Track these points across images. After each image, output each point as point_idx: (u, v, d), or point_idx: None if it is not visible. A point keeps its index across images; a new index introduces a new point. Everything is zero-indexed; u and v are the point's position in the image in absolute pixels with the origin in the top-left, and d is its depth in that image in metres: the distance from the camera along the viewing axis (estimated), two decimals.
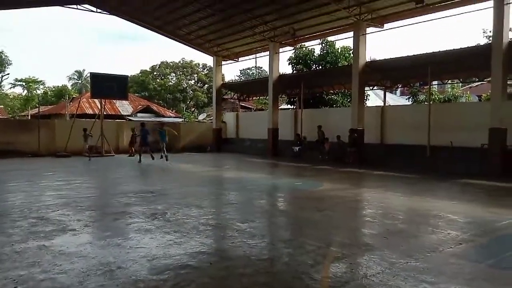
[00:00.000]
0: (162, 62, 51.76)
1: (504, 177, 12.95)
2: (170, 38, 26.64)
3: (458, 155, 15.45)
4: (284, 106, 32.16)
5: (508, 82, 16.02)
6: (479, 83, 23.46)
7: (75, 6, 22.07)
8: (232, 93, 29.75)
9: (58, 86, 54.72)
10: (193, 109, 50.71)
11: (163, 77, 50.80)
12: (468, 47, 16.03)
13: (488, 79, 16.73)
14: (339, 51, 27.11)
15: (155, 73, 51.28)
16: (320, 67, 26.59)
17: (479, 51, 15.65)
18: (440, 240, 5.66)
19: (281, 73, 24.21)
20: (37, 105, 29.43)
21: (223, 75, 30.82)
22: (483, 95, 24.42)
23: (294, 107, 27.78)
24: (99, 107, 24.31)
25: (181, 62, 51.81)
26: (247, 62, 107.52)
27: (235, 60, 28.19)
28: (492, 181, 12.31)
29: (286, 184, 12.15)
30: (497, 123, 13.97)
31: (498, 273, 4.48)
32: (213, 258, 4.88)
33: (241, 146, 26.74)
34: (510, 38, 14.20)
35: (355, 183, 12.36)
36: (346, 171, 15.40)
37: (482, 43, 19.67)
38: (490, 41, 15.08)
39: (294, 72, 27.32)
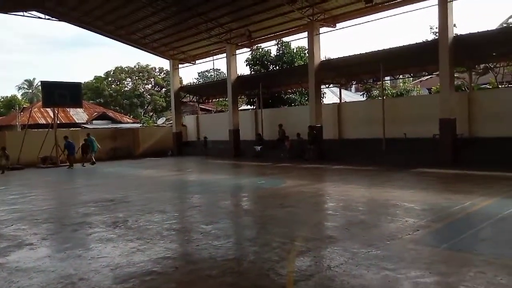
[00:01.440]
0: (117, 68, 50.42)
1: (455, 164, 13.64)
2: (124, 43, 26.04)
3: (412, 146, 16.10)
4: (244, 107, 32.23)
5: (455, 75, 16.89)
6: (429, 76, 24.51)
7: (21, 13, 21.06)
8: (191, 96, 29.47)
9: (7, 96, 52.15)
10: (151, 113, 49.72)
11: (118, 83, 49.51)
12: (416, 43, 16.74)
13: (436, 73, 17.52)
14: (295, 51, 27.56)
15: (110, 79, 49.88)
16: (277, 67, 26.91)
17: (427, 47, 16.36)
18: (399, 228, 5.89)
19: (239, 75, 24.27)
20: None
21: (180, 78, 30.51)
22: (432, 88, 25.50)
23: (254, 107, 27.91)
24: (52, 116, 23.35)
25: (137, 66, 50.72)
26: (205, 65, 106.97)
27: (192, 63, 27.95)
28: (444, 169, 12.93)
29: (250, 184, 12.21)
30: (447, 114, 14.68)
31: (453, 255, 4.72)
32: (179, 262, 4.82)
33: (203, 148, 26.58)
34: (455, 34, 14.97)
35: (316, 179, 12.61)
36: (307, 167, 15.66)
37: (429, 39, 20.54)
38: (437, 37, 15.80)
39: (252, 73, 27.47)
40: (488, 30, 14.68)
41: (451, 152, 14.44)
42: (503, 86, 21.64)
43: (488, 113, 15.28)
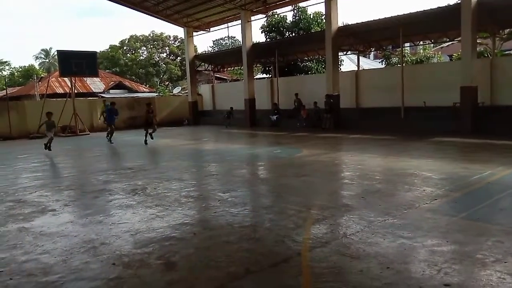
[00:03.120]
0: (131, 36, 50.13)
1: (475, 133, 13.37)
2: (137, 10, 25.72)
3: (431, 114, 15.80)
4: (259, 75, 31.92)
5: (477, 41, 16.29)
6: (450, 43, 23.74)
7: None
8: (206, 64, 29.27)
9: (25, 66, 52.64)
10: (167, 83, 49.72)
11: (133, 52, 49.35)
12: (438, 7, 16.07)
13: (458, 39, 16.94)
14: (311, 17, 26.86)
15: (125, 47, 49.70)
16: (294, 34, 26.35)
17: (448, 11, 15.73)
18: (416, 197, 5.86)
19: (254, 42, 23.88)
20: (5, 87, 28.31)
21: (195, 46, 30.19)
22: (454, 54, 24.78)
23: (270, 76, 27.64)
24: (70, 85, 23.58)
25: (151, 35, 50.33)
26: (219, 32, 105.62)
27: (206, 31, 27.57)
28: (464, 138, 12.71)
29: (265, 153, 12.23)
30: (468, 82, 14.28)
31: (470, 224, 4.69)
32: (196, 228, 4.93)
33: (219, 117, 26.59)
34: None
35: (333, 148, 12.55)
36: (324, 136, 15.57)
37: (452, 3, 19.73)
38: (459, 1, 15.15)
39: (268, 40, 27.01)
40: None
41: (471, 120, 14.14)
42: None
43: (511, 80, 14.80)
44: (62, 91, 29.94)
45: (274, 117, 21.75)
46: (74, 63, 20.85)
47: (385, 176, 7.83)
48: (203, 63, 29.10)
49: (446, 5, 16.55)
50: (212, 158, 11.81)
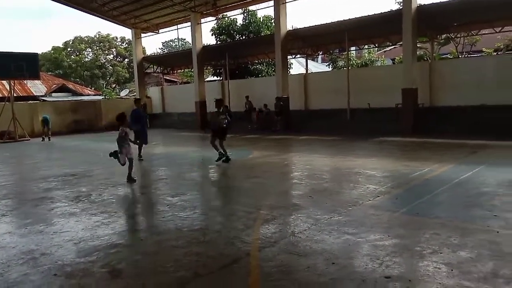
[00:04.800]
0: (76, 37, 48.09)
1: (416, 133, 14.11)
2: (82, 11, 24.79)
3: (375, 116, 16.48)
4: (210, 78, 31.78)
5: (417, 45, 17.21)
6: (392, 47, 24.86)
7: None
8: (155, 67, 28.71)
9: None
10: (114, 85, 48.14)
11: (78, 53, 47.38)
12: (381, 13, 16.83)
13: (400, 43, 17.79)
14: (261, 20, 27.15)
15: (69, 49, 47.61)
16: (244, 37, 26.50)
17: (391, 17, 16.51)
18: (360, 194, 6.09)
19: (205, 45, 23.77)
20: None
21: (144, 48, 29.56)
22: (396, 58, 25.99)
23: (221, 78, 27.60)
24: (8, 89, 22.21)
25: (97, 36, 48.56)
26: (169, 34, 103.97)
27: (155, 32, 27.08)
28: (405, 137, 13.37)
29: (217, 156, 12.17)
30: (409, 84, 15.04)
31: (410, 219, 4.94)
32: (144, 234, 4.82)
33: (169, 121, 26.16)
34: (418, 4, 15.14)
35: (283, 149, 12.74)
36: (274, 138, 15.77)
37: (394, 9, 20.72)
38: (401, 7, 15.94)
39: (218, 43, 26.96)
40: (449, 1, 14.91)
41: (412, 121, 14.89)
42: (463, 56, 22.28)
43: (448, 83, 15.77)
44: (0, 95, 28.15)
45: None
46: (14, 65, 19.66)
47: (332, 175, 8.06)
48: (152, 65, 28.52)
49: (389, 10, 17.34)
50: (161, 162, 11.60)
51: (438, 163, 8.42)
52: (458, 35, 19.56)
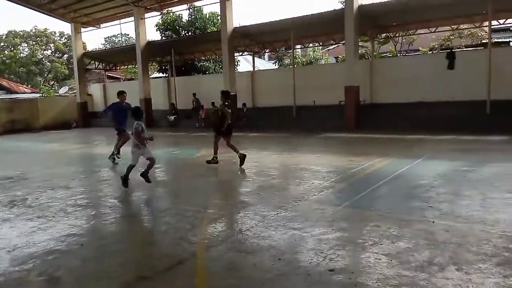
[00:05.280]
0: (9, 32, 44.99)
1: (358, 129, 14.65)
2: (17, 3, 23.23)
3: (320, 113, 16.91)
4: (156, 74, 31.03)
5: (359, 44, 17.85)
6: (336, 45, 25.63)
7: None
8: (96, 63, 27.53)
9: None
10: (52, 82, 45.63)
11: (12, 48, 44.38)
12: (324, 12, 17.25)
13: (343, 42, 18.36)
14: (207, 17, 26.92)
15: (2, 44, 44.47)
16: (190, 34, 26.13)
17: (334, 16, 16.95)
18: (306, 189, 6.21)
19: (149, 40, 23.13)
20: None
21: (84, 43, 28.27)
22: (339, 56, 26.80)
23: (167, 75, 27.04)
24: None
25: (34, 30, 45.75)
26: (112, 29, 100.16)
27: (96, 27, 25.98)
28: (349, 133, 13.84)
29: (163, 155, 11.90)
30: (351, 81, 15.57)
31: (353, 212, 5.12)
32: (84, 239, 4.60)
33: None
34: (359, 4, 15.69)
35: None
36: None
37: (337, 8, 21.33)
38: (343, 7, 16.44)
39: (163, 38, 26.39)
40: (388, 2, 15.58)
41: (355, 117, 15.45)
42: (401, 55, 23.42)
43: (387, 80, 16.52)
44: None
45: (172, 117, 21.34)
46: None
47: (279, 172, 8.17)
48: (93, 61, 27.33)
49: (332, 10, 17.82)
50: (104, 162, 11.12)
51: (379, 157, 8.79)
52: (397, 35, 20.55)
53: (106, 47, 51.79)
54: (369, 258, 3.62)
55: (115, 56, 27.59)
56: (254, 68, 23.71)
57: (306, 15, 17.21)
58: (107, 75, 30.31)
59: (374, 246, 3.87)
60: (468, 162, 7.84)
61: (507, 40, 20.71)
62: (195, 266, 3.71)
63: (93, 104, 27.05)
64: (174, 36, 26.02)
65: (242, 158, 8.38)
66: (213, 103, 19.98)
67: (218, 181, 7.61)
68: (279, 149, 11.37)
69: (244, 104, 19.48)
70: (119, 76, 34.88)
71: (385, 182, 6.57)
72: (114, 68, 29.04)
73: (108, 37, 59.10)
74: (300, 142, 12.73)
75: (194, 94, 21.42)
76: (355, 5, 15.32)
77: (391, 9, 15.94)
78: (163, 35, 26.96)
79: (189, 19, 26.93)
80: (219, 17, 23.79)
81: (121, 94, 10.32)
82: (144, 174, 6.89)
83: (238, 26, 20.18)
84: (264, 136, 14.50)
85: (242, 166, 8.33)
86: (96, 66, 27.73)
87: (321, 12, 17.06)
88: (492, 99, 13.61)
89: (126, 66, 29.16)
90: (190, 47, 23.31)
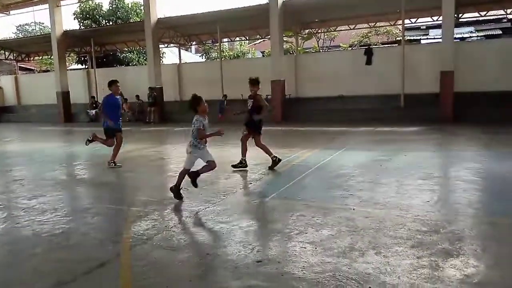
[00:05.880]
0: None
1: (284, 122, 15.02)
2: None
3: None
4: (74, 66, 29.18)
5: (284, 39, 18.25)
6: (262, 40, 25.96)
7: None
8: (7, 53, 25.20)
9: None
10: None
11: None
12: (250, 6, 17.40)
13: (268, 37, 18.64)
14: (130, 6, 25.86)
15: None
16: (111, 23, 24.91)
17: (259, 11, 17.15)
18: (234, 182, 6.23)
19: (66, 29, 21.65)
20: None
21: None
22: (265, 51, 27.19)
23: (86, 67, 25.57)
24: None
25: None
26: (24, 17, 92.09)
27: (5, 14, 23.82)
28: (276, 126, 14.11)
29: (83, 151, 11.24)
30: (277, 76, 15.89)
31: (279, 203, 5.23)
32: None
33: (25, 114, 23.35)
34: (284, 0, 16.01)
35: (158, 142, 12.39)
36: (148, 130, 15.25)
37: (262, 3, 21.59)
38: (268, 2, 16.68)
39: (82, 28, 24.87)
40: None
41: (281, 111, 15.81)
42: (323, 50, 24.37)
43: (311, 75, 17.10)
44: None
45: (92, 111, 20.24)
46: None
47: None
48: (3, 51, 24.99)
49: (258, 4, 18.00)
50: (16, 160, 10.26)
51: (304, 149, 9.08)
52: (319, 31, 21.33)
53: (18, 36, 47.57)
54: (295, 247, 3.71)
55: (28, 45, 25.45)
56: (180, 60, 23.24)
57: (233, 9, 17.23)
58: (19, 66, 27.93)
59: (300, 235, 3.98)
60: (385, 152, 8.38)
61: (419, 38, 22.39)
62: (119, 267, 3.55)
63: (3, 98, 24.79)
64: (94, 26, 24.64)
65: (276, 162, 7.16)
66: (137, 96, 19.33)
67: (145, 177, 7.35)
68: (208, 143, 11.26)
69: (225, 96, 18.58)
70: (32, 68, 32.29)
71: (309, 173, 6.80)
72: (27, 58, 26.81)
73: (21, 25, 54.23)
74: (229, 135, 12.55)
75: None
76: (280, 1, 15.62)
77: (313, 6, 16.49)
78: (81, 24, 25.41)
79: (111, 8, 25.67)
80: (142, 7, 22.96)
81: (114, 84, 8.14)
82: (194, 176, 5.54)
83: (162, 17, 19.62)
84: (188, 130, 14.26)
85: (273, 168, 7.11)
86: (7, 56, 25.42)
87: (247, 6, 17.18)
88: (406, 93, 14.70)
89: (41, 57, 27.06)
90: (112, 37, 22.22)
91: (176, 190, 5.38)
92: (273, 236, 4.00)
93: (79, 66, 27.89)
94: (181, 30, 20.35)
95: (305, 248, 3.67)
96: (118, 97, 8.26)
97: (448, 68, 13.34)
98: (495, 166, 6.74)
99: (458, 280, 2.96)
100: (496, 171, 6.36)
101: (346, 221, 4.32)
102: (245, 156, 7.35)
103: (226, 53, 28.61)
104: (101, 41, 22.23)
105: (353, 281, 3.00)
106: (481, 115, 12.80)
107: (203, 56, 30.52)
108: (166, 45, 22.71)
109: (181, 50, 24.58)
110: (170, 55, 29.19)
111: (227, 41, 27.03)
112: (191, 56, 34.46)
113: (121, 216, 4.88)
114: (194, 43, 25.13)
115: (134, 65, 25.83)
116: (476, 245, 3.60)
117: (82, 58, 26.40)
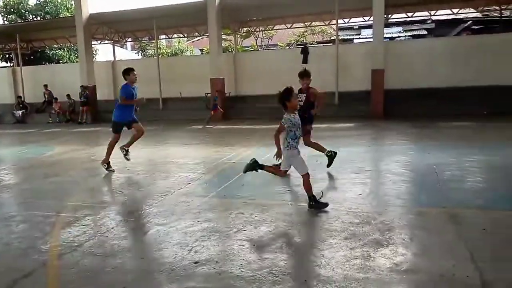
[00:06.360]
0: None
1: (224, 120, 14.97)
2: None
3: (188, 104, 16.82)
4: None
5: (222, 37, 18.18)
6: (200, 37, 25.71)
7: None
8: None
9: None
10: None
11: None
12: (187, 3, 17.08)
13: (207, 34, 18.48)
14: (60, 1, 24.45)
15: None
16: (39, 18, 23.39)
17: (196, 8, 16.90)
18: (172, 183, 6.09)
19: None
20: None
21: None
22: (204, 48, 26.95)
23: (12, 64, 23.81)
24: None
25: None
26: None
27: None
28: (216, 125, 14.04)
29: (7, 155, 10.47)
30: (216, 74, 15.80)
31: (218, 202, 5.19)
32: None
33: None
34: None
35: (90, 143, 11.81)
36: (81, 131, 14.52)
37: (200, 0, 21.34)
38: None
39: (6, 23, 23.10)
40: None
41: (221, 108, 15.72)
42: (262, 49, 24.62)
43: (250, 73, 17.21)
44: None
45: (19, 112, 18.90)
46: None
47: (145, 167, 7.84)
48: None
49: (195, 1, 17.77)
50: None
51: (244, 147, 9.10)
52: (257, 29, 21.51)
53: None
54: (233, 245, 3.70)
55: None
56: (115, 58, 22.35)
57: (169, 5, 16.89)
58: None
59: (238, 233, 3.97)
60: None
61: (352, 37, 23.33)
62: (46, 277, 3.32)
63: None
64: (20, 21, 23.00)
65: (333, 156, 6.52)
66: (68, 95, 18.34)
67: (75, 180, 6.96)
68: (145, 142, 10.85)
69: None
70: None
71: None
72: None
73: None
74: (168, 134, 12.47)
75: (45, 86, 19.30)
76: None
77: (250, 4, 16.60)
78: (5, 19, 23.62)
79: (38, 2, 24.11)
80: (73, 1, 21.78)
81: (130, 72, 7.32)
82: (316, 203, 4.58)
83: (95, 12, 18.73)
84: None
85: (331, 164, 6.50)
86: None
87: (184, 3, 16.87)
88: (340, 91, 15.25)
89: None
90: (40, 33, 20.84)
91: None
92: (211, 236, 3.95)
93: (4, 64, 25.92)
94: (115, 26, 19.57)
95: (243, 245, 3.67)
96: (135, 86, 7.50)
97: (378, 67, 14.02)
98: (422, 158, 7.18)
99: (387, 268, 3.11)
100: (422, 163, 6.78)
101: (283, 217, 4.38)
102: (325, 150, 6.59)
103: (164, 50, 27.98)
104: (28, 38, 20.79)
105: (289, 276, 3.04)
106: (410, 111, 13.61)
107: (139, 53, 29.61)
108: (99, 41, 21.74)
109: (115, 47, 23.64)
110: (105, 52, 28.01)
111: (165, 38, 26.44)
112: (128, 54, 33.29)
113: (49, 222, 4.58)
114: (129, 39, 24.29)
115: (64, 62, 24.45)
116: (404, 234, 3.80)
117: (7, 56, 24.55)
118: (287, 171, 4.89)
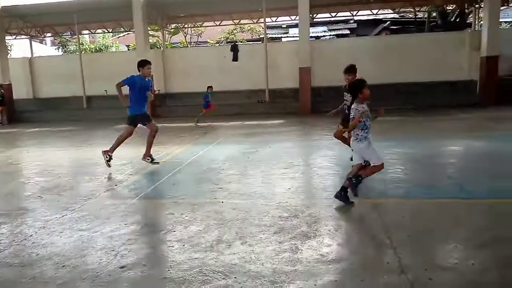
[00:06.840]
0: None
1: (154, 118, 14.48)
2: None
3: (113, 103, 16.04)
4: None
5: (150, 33, 17.65)
6: (126, 33, 24.73)
7: None
8: None
9: None
10: None
11: None
12: None
13: (133, 30, 17.82)
14: None
15: None
16: None
17: (121, 2, 16.24)
18: (97, 186, 5.81)
19: None
20: None
21: None
22: (130, 44, 25.98)
23: None
24: None
25: None
26: None
27: None
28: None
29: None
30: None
31: (148, 203, 5.06)
32: None
33: None
34: None
35: (7, 145, 10.93)
36: None
37: None
38: None
39: None
40: None
41: (151, 107, 15.23)
42: (191, 46, 24.28)
43: (179, 70, 16.91)
44: None
45: None
46: None
47: (66, 169, 7.42)
48: None
49: None
50: None
51: (175, 145, 8.94)
52: (186, 26, 21.18)
53: None
54: (162, 247, 3.62)
55: None
56: (32, 54, 20.77)
57: None
58: None
59: (167, 234, 3.89)
60: (252, 144, 8.73)
61: (280, 36, 23.83)
62: None
63: None
64: None
65: None
66: None
67: None
68: (67, 144, 10.35)
69: (210, 87, 16.13)
70: None
71: (179, 169, 6.71)
72: None
73: None
74: (92, 134, 11.88)
75: None
76: None
77: (177, 0, 16.28)
78: None
79: None
80: None
81: (145, 65, 7.28)
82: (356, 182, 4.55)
83: (7, 5, 17.25)
84: (49, 131, 12.94)
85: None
86: None
87: None
88: (270, 88, 15.52)
89: None
90: None
91: (345, 193, 4.50)
92: (139, 239, 3.83)
93: None
94: (32, 20, 18.19)
95: (172, 246, 3.60)
96: (148, 79, 7.40)
97: (305, 65, 14.47)
98: (346, 152, 7.52)
99: (314, 260, 3.22)
100: (347, 157, 7.10)
101: (214, 215, 4.36)
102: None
103: (87, 46, 26.56)
104: None
105: (219, 274, 3.04)
106: (331, 107, 14.19)
107: (60, 49, 27.82)
108: (14, 36, 20.08)
109: (32, 42, 21.96)
110: (21, 47, 25.89)
111: (88, 34, 25.09)
112: (48, 50, 31.06)
113: None
114: (49, 34, 22.71)
115: None
116: (330, 225, 3.97)
117: None
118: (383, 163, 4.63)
